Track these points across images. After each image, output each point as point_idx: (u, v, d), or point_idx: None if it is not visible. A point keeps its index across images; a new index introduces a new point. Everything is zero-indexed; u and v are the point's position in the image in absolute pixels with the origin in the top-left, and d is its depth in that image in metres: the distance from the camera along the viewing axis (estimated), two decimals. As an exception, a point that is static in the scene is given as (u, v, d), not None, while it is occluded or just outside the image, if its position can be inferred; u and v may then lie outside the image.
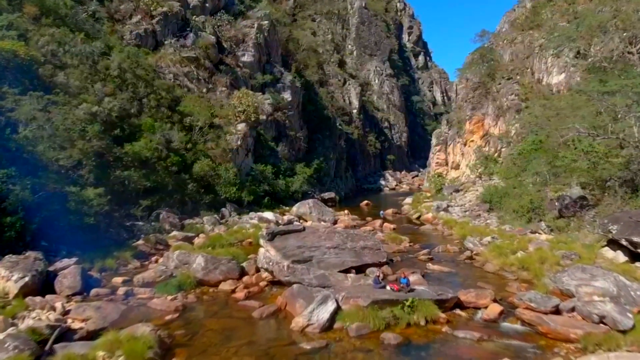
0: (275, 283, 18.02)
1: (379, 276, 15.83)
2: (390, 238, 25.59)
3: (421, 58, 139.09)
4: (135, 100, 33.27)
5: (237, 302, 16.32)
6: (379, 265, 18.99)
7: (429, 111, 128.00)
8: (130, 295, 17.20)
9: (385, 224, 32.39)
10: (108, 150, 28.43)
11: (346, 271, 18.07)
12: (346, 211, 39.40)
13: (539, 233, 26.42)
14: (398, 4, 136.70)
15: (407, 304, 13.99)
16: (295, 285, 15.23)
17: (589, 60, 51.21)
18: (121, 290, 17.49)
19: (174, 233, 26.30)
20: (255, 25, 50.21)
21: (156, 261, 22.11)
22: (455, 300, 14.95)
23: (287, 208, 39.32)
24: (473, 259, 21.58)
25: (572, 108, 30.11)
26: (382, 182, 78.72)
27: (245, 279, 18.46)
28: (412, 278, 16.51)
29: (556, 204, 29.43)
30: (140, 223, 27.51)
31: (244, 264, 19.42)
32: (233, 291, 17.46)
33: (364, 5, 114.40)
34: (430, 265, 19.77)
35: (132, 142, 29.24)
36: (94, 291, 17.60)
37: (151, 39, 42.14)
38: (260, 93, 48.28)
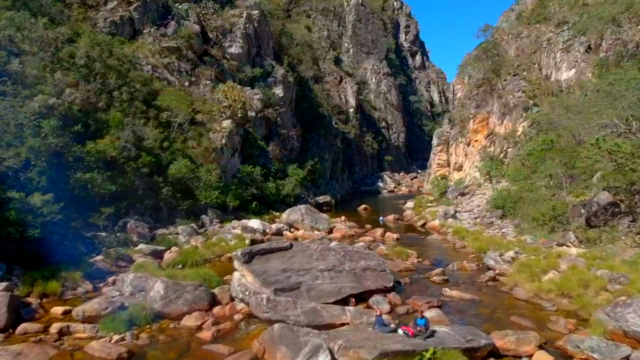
0: (254, 316, 14.20)
1: (380, 314, 12.02)
2: (394, 252, 21.84)
3: (418, 58, 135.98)
4: (103, 93, 29.32)
5: (202, 346, 12.50)
6: (384, 291, 15.23)
7: (427, 111, 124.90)
8: (66, 334, 13.35)
9: (387, 233, 28.65)
10: (67, 148, 24.49)
11: (344, 301, 14.29)
12: (343, 217, 35.59)
13: (568, 246, 22.79)
14: (395, 3, 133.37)
15: (428, 355, 10.27)
16: (276, 326, 11.42)
17: (601, 55, 47.83)
18: (55, 327, 13.61)
19: (141, 246, 22.39)
20: (244, 14, 46.41)
21: (114, 282, 18.25)
22: (490, 347, 11.21)
23: (277, 214, 35.51)
24: (497, 280, 17.85)
25: (609, 100, 26.43)
26: (380, 184, 75.06)
27: (216, 310, 14.61)
28: (430, 314, 12.73)
29: (582, 210, 25.83)
30: (103, 234, 23.59)
31: (216, 290, 15.56)
32: (199, 327, 13.63)
33: (360, 2, 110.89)
34: (447, 291, 16.01)
35: (95, 140, 25.30)
36: (22, 327, 13.81)
37: (128, 27, 38.21)
38: (249, 88, 44.47)
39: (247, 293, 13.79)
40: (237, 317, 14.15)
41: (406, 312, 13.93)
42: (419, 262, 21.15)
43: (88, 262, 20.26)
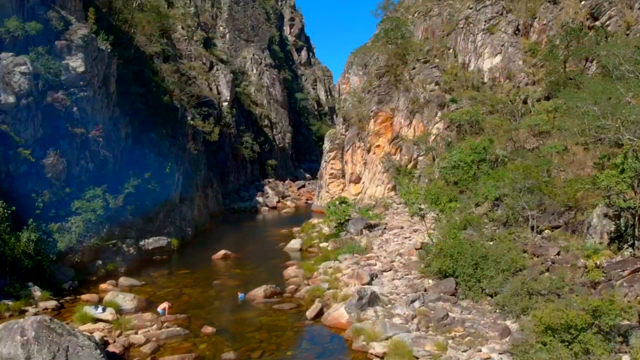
0: None
1: None
2: None
3: (304, 53, 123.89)
4: None
5: None
6: None
7: (314, 110, 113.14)
8: None
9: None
10: None
11: None
12: (164, 305, 17.84)
13: None
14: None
15: None
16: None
17: (533, 37, 38.20)
18: None
19: None
20: None
21: None
22: None
23: (40, 294, 16.91)
24: None
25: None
26: (260, 199, 59.00)
27: None
28: None
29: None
30: None
31: None
32: None
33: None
34: None
35: None
36: None
37: None
38: (10, 53, 24.49)
39: None
40: None
41: None
42: None
43: None
